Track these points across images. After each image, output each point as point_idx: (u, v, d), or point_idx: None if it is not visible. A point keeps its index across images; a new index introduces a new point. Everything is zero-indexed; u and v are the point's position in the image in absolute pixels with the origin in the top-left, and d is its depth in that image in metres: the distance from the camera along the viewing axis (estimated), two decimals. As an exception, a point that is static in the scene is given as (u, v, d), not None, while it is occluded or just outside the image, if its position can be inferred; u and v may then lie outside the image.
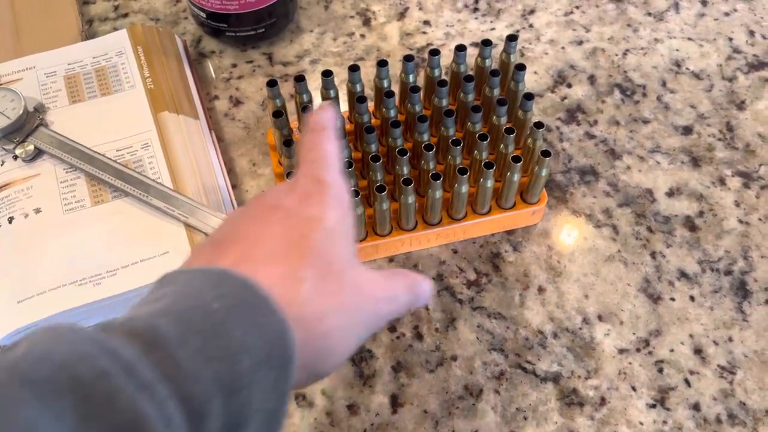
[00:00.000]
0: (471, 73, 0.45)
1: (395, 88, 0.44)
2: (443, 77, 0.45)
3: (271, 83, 0.42)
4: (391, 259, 0.46)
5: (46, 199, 0.45)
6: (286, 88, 0.54)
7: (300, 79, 0.42)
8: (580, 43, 0.57)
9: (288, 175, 0.40)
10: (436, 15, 0.59)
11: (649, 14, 0.59)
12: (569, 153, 0.51)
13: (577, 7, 0.59)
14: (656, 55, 0.56)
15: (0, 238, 0.43)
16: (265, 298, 0.25)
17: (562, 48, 0.57)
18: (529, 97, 0.43)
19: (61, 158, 0.46)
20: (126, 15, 0.59)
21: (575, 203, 0.48)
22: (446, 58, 0.56)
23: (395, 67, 0.55)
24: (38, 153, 0.47)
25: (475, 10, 0.59)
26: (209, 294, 0.24)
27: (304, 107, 0.42)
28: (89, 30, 0.58)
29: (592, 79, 0.55)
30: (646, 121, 0.52)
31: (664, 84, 0.55)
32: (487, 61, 0.44)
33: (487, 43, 0.43)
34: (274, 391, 0.24)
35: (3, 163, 0.46)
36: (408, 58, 0.43)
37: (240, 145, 0.52)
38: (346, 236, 0.30)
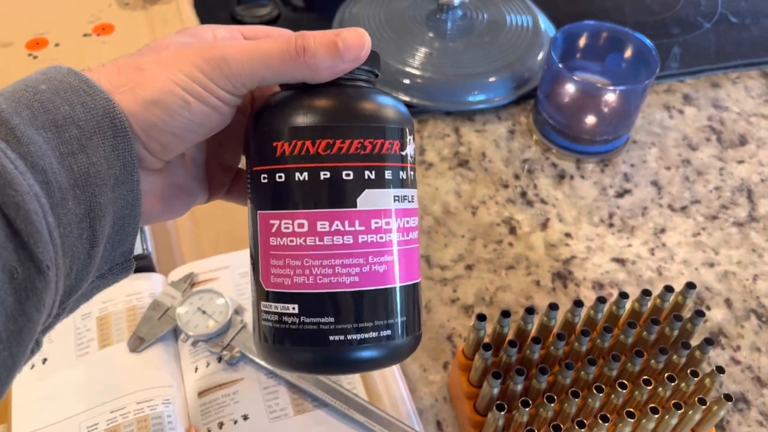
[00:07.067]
0: (655, 316, 0.50)
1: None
2: (616, 313, 0.49)
3: (481, 317, 0.46)
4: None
5: (253, 405, 0.47)
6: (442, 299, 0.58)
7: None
8: (712, 265, 0.62)
9: None
10: (576, 227, 0.65)
11: (770, 241, 0.65)
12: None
13: (704, 229, 0.65)
14: (784, 283, 0.61)
15: (214, 445, 0.46)
16: (87, 81, 0.30)
17: (696, 269, 0.62)
18: (709, 342, 0.47)
19: (265, 365, 0.49)
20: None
21: (733, 432, 0.51)
22: (590, 271, 0.61)
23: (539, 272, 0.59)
24: (241, 356, 0.50)
25: (611, 225, 0.65)
26: (38, 78, 0.30)
27: (486, 345, 0.45)
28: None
29: (728, 302, 0.59)
30: (785, 350, 0.57)
31: (796, 313, 0.59)
32: (665, 303, 0.49)
33: (669, 289, 0.48)
34: (117, 158, 0.29)
35: (208, 364, 0.49)
36: (601, 300, 0.47)
37: (408, 348, 0.55)
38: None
